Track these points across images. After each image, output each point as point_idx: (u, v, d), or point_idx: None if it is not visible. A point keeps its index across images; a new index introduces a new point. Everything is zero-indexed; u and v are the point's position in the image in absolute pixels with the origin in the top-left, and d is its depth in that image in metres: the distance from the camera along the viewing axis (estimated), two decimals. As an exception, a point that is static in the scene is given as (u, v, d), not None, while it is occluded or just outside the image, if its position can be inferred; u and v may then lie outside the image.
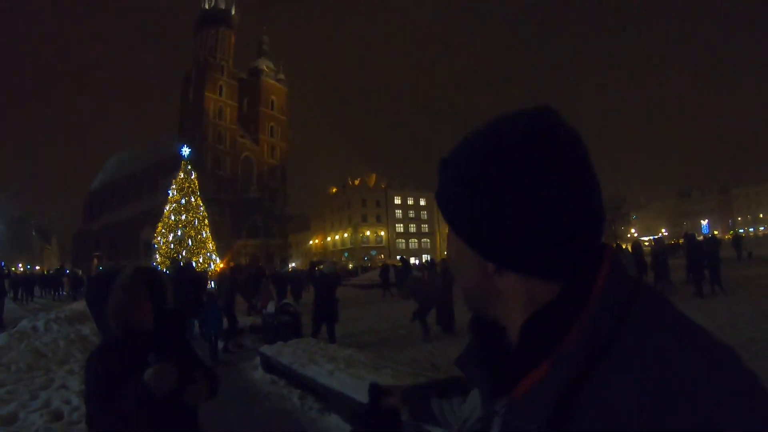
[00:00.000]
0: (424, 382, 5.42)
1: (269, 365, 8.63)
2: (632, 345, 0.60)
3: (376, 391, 1.40)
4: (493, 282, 0.73)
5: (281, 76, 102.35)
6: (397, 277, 27.53)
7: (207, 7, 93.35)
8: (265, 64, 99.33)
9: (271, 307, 11.09)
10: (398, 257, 34.24)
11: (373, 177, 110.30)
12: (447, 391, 1.27)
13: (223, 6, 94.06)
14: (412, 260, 79.53)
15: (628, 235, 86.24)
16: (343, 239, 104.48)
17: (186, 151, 50.57)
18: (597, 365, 0.60)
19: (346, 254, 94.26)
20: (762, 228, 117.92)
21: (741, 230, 78.22)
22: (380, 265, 41.48)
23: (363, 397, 5.51)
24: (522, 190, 0.66)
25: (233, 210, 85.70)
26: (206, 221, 50.66)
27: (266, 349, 8.93)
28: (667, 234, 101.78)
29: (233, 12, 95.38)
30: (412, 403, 1.34)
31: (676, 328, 0.62)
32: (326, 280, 11.39)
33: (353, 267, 67.67)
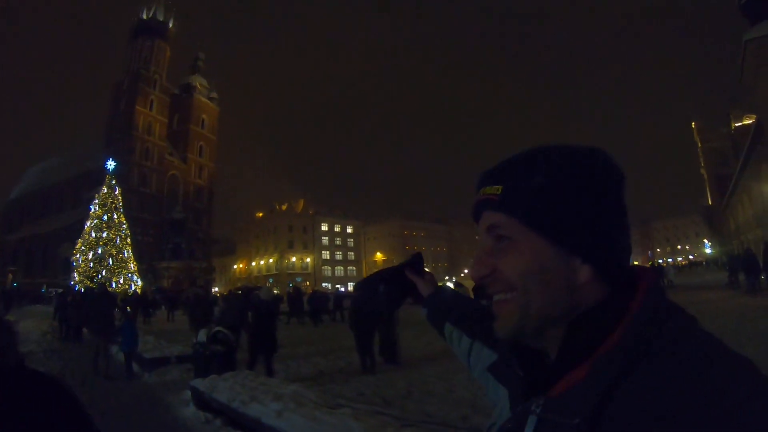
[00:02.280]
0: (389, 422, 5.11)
1: (202, 402, 7.66)
2: (667, 353, 0.66)
3: (419, 259, 1.44)
4: (575, 290, 0.77)
5: (214, 95, 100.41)
6: (289, 305, 27.52)
7: (145, 16, 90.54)
8: (198, 81, 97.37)
9: (202, 336, 10.04)
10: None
11: (301, 202, 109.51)
12: (461, 322, 1.29)
13: (161, 17, 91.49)
14: (341, 288, 78.18)
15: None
16: (268, 265, 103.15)
17: (111, 164, 48.92)
18: (635, 369, 0.66)
19: (270, 280, 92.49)
20: (680, 258, 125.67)
21: (660, 261, 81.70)
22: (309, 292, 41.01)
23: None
24: (610, 200, 0.79)
25: (157, 230, 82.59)
26: (128, 240, 49.05)
27: (199, 384, 7.96)
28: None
29: (171, 25, 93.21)
30: (431, 309, 1.37)
31: (703, 340, 0.68)
32: (265, 306, 10.57)
33: (278, 293, 66.46)
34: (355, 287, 1.45)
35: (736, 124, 69.80)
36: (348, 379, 10.21)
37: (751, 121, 52.49)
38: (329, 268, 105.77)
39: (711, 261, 76.48)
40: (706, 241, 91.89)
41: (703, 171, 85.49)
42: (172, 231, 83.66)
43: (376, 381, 9.90)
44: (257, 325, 10.37)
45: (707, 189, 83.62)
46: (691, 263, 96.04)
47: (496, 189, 0.81)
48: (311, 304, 26.57)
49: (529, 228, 0.78)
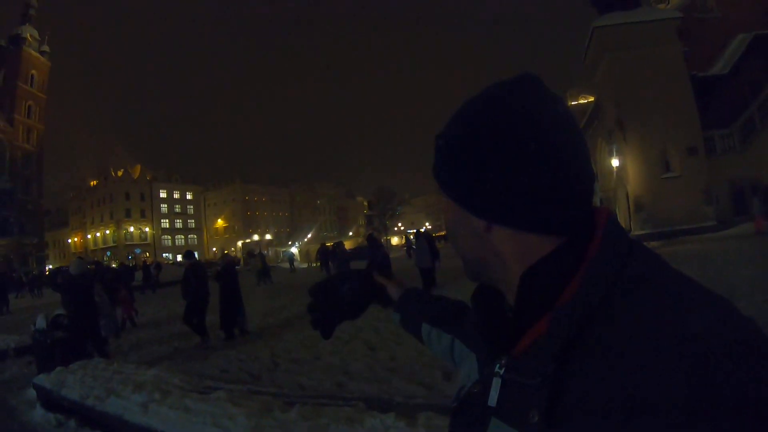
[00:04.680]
0: (270, 405, 4.72)
1: (51, 401, 6.61)
2: (630, 300, 0.62)
3: (387, 263, 1.68)
4: (487, 241, 0.75)
5: (46, 48, 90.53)
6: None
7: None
8: (29, 32, 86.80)
9: (41, 322, 8.77)
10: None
11: (138, 168, 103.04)
12: (439, 321, 1.20)
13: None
14: (179, 258, 75.43)
15: (395, 228, 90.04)
16: (105, 236, 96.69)
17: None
18: (595, 319, 0.62)
19: (108, 253, 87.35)
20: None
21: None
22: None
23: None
24: (507, 148, 0.69)
25: (-19, 203, 74.21)
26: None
27: (43, 380, 6.90)
28: (430, 227, 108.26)
29: None
30: (404, 312, 1.31)
31: (668, 281, 0.64)
32: (78, 282, 9.51)
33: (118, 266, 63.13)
34: (311, 290, 1.29)
35: (573, 102, 74.59)
36: (207, 356, 9.61)
37: (587, 101, 57.46)
38: (169, 237, 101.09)
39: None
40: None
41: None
42: (-1, 203, 75.08)
43: (237, 354, 9.42)
44: (72, 306, 9.19)
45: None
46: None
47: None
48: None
49: (442, 188, 0.80)
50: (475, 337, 0.88)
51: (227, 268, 12.42)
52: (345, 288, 1.28)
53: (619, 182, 31.32)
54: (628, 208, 29.72)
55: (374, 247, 18.79)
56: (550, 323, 0.66)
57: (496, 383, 0.72)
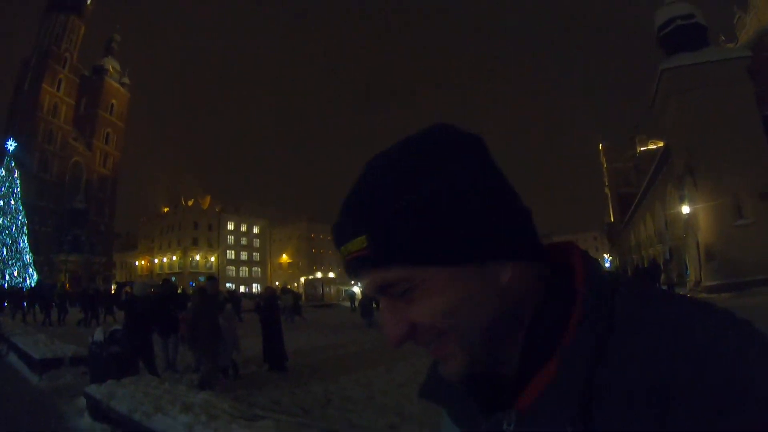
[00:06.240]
0: None
1: (99, 411, 6.65)
2: (633, 325, 0.60)
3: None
4: (509, 290, 0.66)
5: (126, 80, 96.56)
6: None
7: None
8: (111, 64, 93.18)
9: (99, 335, 8.94)
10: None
11: (208, 199, 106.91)
12: None
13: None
14: (242, 288, 76.48)
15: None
16: (171, 262, 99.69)
17: (12, 145, 45.99)
18: (608, 345, 0.59)
19: (173, 278, 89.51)
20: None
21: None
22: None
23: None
24: (494, 189, 0.67)
25: (56, 220, 77.37)
26: (25, 229, 46.15)
27: (94, 391, 6.94)
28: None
29: (89, 0, 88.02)
30: None
31: (666, 297, 0.64)
32: (141, 304, 9.84)
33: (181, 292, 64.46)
34: None
35: (641, 148, 72.98)
36: (261, 386, 9.58)
37: (655, 146, 56.10)
38: (234, 268, 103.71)
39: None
40: (606, 255, 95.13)
41: (607, 190, 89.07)
42: (72, 222, 78.75)
43: (291, 387, 9.35)
44: (130, 325, 9.47)
45: (610, 207, 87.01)
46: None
47: (360, 242, 0.65)
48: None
49: (429, 264, 0.64)
50: (443, 390, 0.78)
51: (268, 301, 12.56)
52: None
53: (689, 230, 30.16)
54: (699, 257, 28.55)
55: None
56: (559, 367, 0.61)
57: None
